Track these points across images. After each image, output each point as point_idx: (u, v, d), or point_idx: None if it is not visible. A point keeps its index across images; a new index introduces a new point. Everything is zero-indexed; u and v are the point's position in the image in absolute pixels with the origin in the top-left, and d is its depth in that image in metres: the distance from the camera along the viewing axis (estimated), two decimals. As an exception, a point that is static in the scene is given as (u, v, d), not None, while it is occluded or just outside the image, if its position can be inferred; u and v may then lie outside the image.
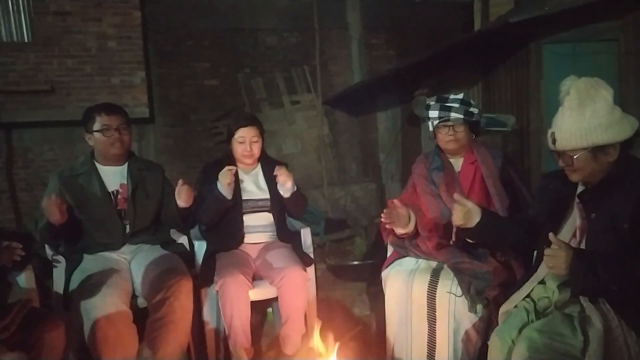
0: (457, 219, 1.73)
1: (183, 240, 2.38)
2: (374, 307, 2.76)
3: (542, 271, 1.57)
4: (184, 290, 2.00)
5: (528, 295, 1.59)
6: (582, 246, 1.51)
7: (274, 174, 2.23)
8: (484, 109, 3.78)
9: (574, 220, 1.57)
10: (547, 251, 1.41)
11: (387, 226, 2.10)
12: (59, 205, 1.94)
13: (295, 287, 2.09)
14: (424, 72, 4.42)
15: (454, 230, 1.97)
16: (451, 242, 2.03)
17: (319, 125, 5.44)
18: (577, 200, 1.56)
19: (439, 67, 4.24)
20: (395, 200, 2.11)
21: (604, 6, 3.04)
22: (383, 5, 5.61)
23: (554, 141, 1.49)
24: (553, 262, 1.39)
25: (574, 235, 1.55)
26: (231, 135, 2.32)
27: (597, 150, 1.44)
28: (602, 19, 3.24)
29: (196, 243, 2.35)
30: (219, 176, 2.19)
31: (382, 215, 2.05)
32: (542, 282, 1.59)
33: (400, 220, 2.07)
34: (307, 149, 5.63)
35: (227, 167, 2.18)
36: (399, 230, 2.09)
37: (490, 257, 1.98)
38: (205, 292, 2.18)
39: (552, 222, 1.59)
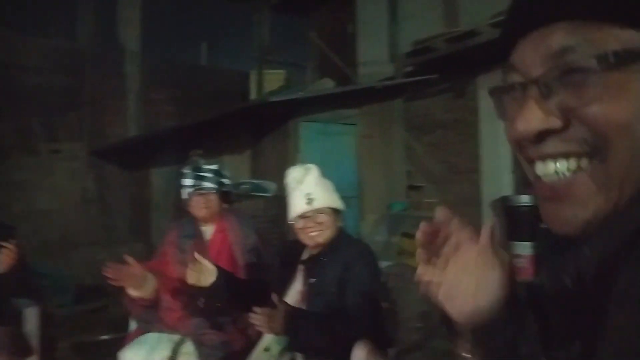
0: (190, 277, 1.71)
1: None
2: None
3: (266, 338, 1.67)
4: None
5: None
6: (304, 310, 1.66)
7: None
8: (252, 175, 4.02)
9: (298, 285, 1.74)
10: (263, 311, 1.51)
11: (111, 282, 1.92)
12: None
13: None
14: (201, 133, 4.48)
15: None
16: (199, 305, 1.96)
17: (82, 179, 4.91)
18: (300, 266, 1.73)
19: (215, 130, 4.38)
20: (129, 258, 1.97)
21: (346, 96, 3.67)
22: (165, 64, 5.59)
23: (309, 202, 1.63)
24: (270, 322, 1.50)
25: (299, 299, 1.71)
26: None
27: (334, 212, 1.67)
28: (345, 106, 3.89)
29: None
30: None
31: (107, 268, 1.85)
32: (267, 349, 1.68)
33: (131, 279, 1.91)
34: (67, 204, 4.99)
35: None
36: (132, 292, 1.94)
37: (232, 326, 2.02)
38: None
39: (282, 286, 1.72)
